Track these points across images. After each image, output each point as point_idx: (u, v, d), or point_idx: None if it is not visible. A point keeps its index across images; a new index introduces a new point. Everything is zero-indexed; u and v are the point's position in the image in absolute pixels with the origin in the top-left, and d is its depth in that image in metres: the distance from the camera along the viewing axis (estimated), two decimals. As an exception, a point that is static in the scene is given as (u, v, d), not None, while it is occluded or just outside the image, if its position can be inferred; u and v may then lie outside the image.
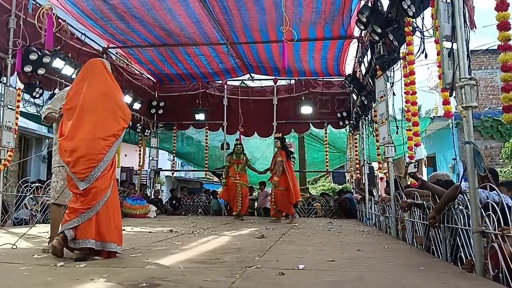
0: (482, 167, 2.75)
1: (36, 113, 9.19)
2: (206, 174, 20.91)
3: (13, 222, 6.56)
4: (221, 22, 8.17)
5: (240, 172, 9.32)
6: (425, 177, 10.37)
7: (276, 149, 8.85)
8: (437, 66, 4.14)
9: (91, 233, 3.18)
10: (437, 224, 3.37)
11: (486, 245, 2.68)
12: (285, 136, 12.08)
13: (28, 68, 6.59)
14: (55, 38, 6.93)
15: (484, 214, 2.70)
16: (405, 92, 5.39)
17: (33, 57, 6.53)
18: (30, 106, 8.35)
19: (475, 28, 3.39)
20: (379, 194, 8.21)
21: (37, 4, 6.73)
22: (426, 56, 4.85)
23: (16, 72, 6.56)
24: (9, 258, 3.22)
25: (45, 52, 6.72)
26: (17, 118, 6.49)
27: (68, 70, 7.49)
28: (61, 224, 3.31)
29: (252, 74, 11.75)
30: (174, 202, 12.08)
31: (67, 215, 3.23)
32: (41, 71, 6.82)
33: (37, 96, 7.12)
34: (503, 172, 10.51)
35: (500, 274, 2.49)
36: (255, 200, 12.07)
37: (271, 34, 8.65)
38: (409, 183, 5.86)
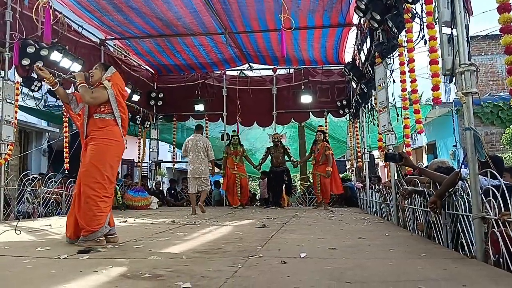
0: (482, 153, 2.75)
1: (35, 107, 9.21)
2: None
3: (15, 215, 6.59)
4: (219, 11, 8.11)
5: (238, 163, 9.41)
6: (425, 164, 10.39)
7: (318, 141, 9.31)
8: (428, 51, 4.13)
9: (112, 219, 3.75)
10: (438, 210, 3.37)
11: (486, 230, 2.69)
12: (283, 126, 12.23)
13: (25, 61, 6.54)
14: (52, 31, 6.89)
15: (485, 200, 2.71)
16: (401, 81, 5.37)
17: (30, 50, 6.48)
18: (29, 99, 8.35)
19: (472, 14, 3.35)
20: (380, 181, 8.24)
21: (33, -3, 6.67)
22: (425, 43, 4.82)
23: (13, 66, 6.53)
24: (12, 251, 3.24)
25: (42, 45, 6.67)
26: (16, 112, 6.47)
27: (66, 63, 7.44)
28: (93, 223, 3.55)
29: (251, 64, 11.68)
30: (172, 192, 12.12)
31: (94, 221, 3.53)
32: (39, 64, 6.77)
33: (35, 89, 7.09)
34: (503, 158, 10.53)
35: (501, 259, 2.50)
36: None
37: (270, 23, 8.59)
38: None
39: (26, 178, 6.78)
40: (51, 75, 4.01)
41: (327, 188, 9.11)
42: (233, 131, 10.13)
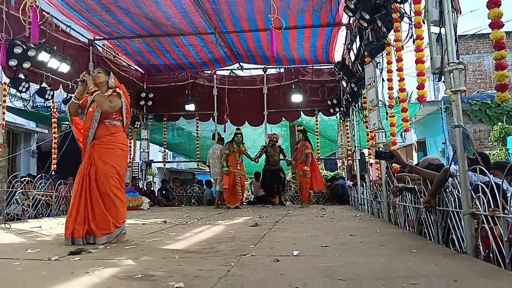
0: (471, 150, 2.78)
1: (23, 108, 9.10)
2: (198, 165, 20.90)
3: (4, 218, 6.50)
4: (208, 11, 8.09)
5: (240, 162, 9.44)
6: (415, 162, 10.47)
7: (299, 140, 9.68)
8: (414, 50, 4.21)
9: None
10: (432, 209, 3.38)
11: (477, 226, 2.72)
12: (275, 125, 12.25)
13: (13, 62, 6.46)
14: (40, 31, 6.81)
15: (475, 196, 2.74)
16: (388, 79, 5.41)
17: (17, 50, 6.41)
18: (16, 100, 8.24)
19: (460, 13, 3.39)
20: (371, 179, 8.29)
21: (20, -3, 6.59)
22: (414, 42, 4.86)
23: (1, 67, 6.44)
24: (1, 253, 3.19)
25: (30, 45, 6.60)
26: (4, 113, 6.39)
27: (53, 63, 7.37)
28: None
29: (241, 63, 11.68)
30: (164, 192, 12.07)
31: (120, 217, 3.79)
32: (26, 65, 6.70)
33: (23, 90, 7.00)
34: (492, 154, 10.66)
35: (491, 255, 2.53)
36: None
37: (259, 23, 8.60)
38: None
39: (15, 180, 6.70)
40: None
41: (304, 187, 9.36)
42: (237, 128, 10.11)
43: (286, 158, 10.38)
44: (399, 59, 5.09)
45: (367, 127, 7.98)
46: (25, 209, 6.83)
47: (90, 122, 3.90)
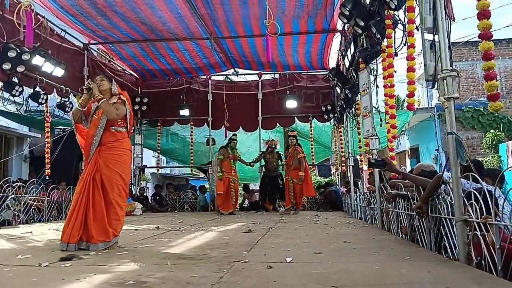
0: (464, 157, 2.79)
1: (17, 112, 9.05)
2: (192, 170, 20.83)
3: (-5, 222, 6.43)
4: (204, 16, 8.10)
5: (234, 168, 9.45)
6: (408, 169, 10.54)
7: (290, 146, 9.51)
8: (406, 59, 4.26)
9: None
10: (424, 215, 3.39)
11: (469, 233, 2.73)
12: (270, 131, 12.26)
13: (6, 66, 6.43)
14: (34, 35, 6.79)
15: (467, 203, 2.75)
16: (384, 86, 5.45)
17: (11, 54, 6.38)
18: (10, 104, 8.19)
19: (454, 20, 3.42)
20: (364, 185, 8.31)
21: (15, 0, 6.56)
22: (408, 48, 4.90)
23: (-6, 70, 6.41)
24: (-9, 259, 3.15)
25: (24, 49, 6.57)
26: (-4, 117, 6.35)
27: (48, 67, 7.33)
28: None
29: (236, 69, 11.70)
30: (157, 198, 12.02)
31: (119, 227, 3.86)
32: (20, 69, 6.67)
33: (17, 94, 6.95)
34: (484, 162, 10.74)
35: (483, 262, 2.54)
36: None
37: (255, 28, 8.63)
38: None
39: (6, 185, 6.63)
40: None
41: (299, 194, 9.26)
42: (234, 134, 10.12)
43: (283, 162, 10.32)
44: (390, 66, 5.12)
45: (359, 134, 8.03)
46: (16, 214, 6.76)
47: (95, 129, 3.93)
